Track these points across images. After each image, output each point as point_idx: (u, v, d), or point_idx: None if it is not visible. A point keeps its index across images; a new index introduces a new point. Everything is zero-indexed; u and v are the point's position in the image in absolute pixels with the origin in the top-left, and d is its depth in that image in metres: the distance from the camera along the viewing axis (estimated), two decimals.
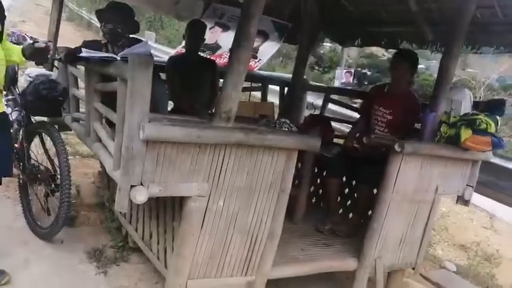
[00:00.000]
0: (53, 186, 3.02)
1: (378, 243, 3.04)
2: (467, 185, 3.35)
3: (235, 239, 2.46)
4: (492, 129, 3.02)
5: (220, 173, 2.30)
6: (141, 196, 2.11)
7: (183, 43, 5.31)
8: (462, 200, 3.42)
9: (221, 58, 4.97)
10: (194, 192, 2.24)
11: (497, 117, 3.12)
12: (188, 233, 2.30)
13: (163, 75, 3.98)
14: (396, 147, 2.85)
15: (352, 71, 17.57)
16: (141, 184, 2.12)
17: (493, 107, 3.24)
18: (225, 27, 5.00)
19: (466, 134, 3.01)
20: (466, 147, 3.04)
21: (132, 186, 2.10)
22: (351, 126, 5.00)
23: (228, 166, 2.31)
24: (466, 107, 3.25)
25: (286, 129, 3.43)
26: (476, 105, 3.35)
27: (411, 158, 2.96)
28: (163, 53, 10.27)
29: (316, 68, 23.70)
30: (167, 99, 3.05)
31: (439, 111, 3.17)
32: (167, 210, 2.55)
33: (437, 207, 3.29)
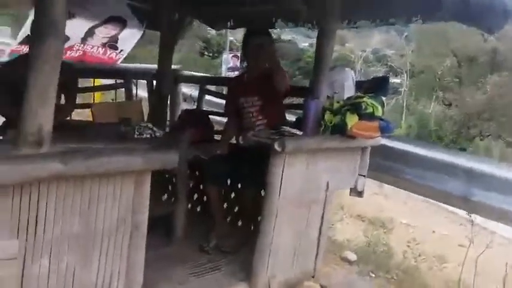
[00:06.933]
0: None
1: (270, 260, 2.58)
2: (359, 174, 3.03)
3: None
4: (379, 112, 2.71)
5: (37, 222, 1.62)
6: None
7: (20, 35, 4.41)
8: (355, 192, 3.10)
9: (72, 51, 4.19)
10: None
11: (383, 98, 2.83)
12: None
13: None
14: (276, 146, 2.39)
15: (239, 54, 17.26)
16: None
17: (376, 87, 2.95)
18: (69, 14, 4.17)
19: (352, 120, 2.66)
20: (353, 135, 2.69)
21: None
22: None
23: (48, 210, 1.64)
24: (349, 89, 2.92)
25: (149, 135, 2.82)
26: (359, 85, 3.04)
27: (295, 156, 2.53)
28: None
29: (206, 53, 23.14)
30: None
31: (321, 97, 2.78)
32: None
33: (330, 205, 2.93)
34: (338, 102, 2.75)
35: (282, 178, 2.50)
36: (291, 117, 3.22)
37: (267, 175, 2.52)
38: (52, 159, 1.58)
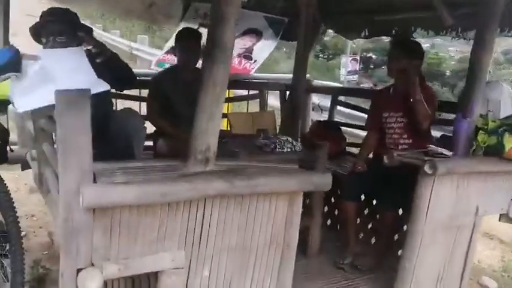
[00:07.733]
0: (6, 247, 2.44)
1: (412, 285, 2.46)
2: (511, 199, 2.76)
3: None
4: None
5: (201, 235, 1.73)
6: (92, 282, 1.54)
7: (165, 48, 4.73)
8: (506, 218, 2.82)
9: None
10: (167, 264, 1.68)
11: None
12: None
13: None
14: (427, 169, 2.26)
15: (358, 58, 16.80)
16: (92, 265, 1.56)
17: None
18: None
19: (510, 142, 2.43)
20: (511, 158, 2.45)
21: (79, 270, 1.54)
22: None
23: (211, 224, 1.74)
24: (506, 107, 2.66)
25: (289, 149, 2.85)
26: None
27: (445, 178, 2.38)
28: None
29: (321, 56, 23.04)
30: (143, 133, 2.47)
31: (474, 115, 2.57)
32: None
33: (477, 231, 2.70)
34: (494, 121, 2.53)
35: (429, 200, 2.36)
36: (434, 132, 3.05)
37: (413, 196, 2.40)
38: (218, 177, 1.67)
